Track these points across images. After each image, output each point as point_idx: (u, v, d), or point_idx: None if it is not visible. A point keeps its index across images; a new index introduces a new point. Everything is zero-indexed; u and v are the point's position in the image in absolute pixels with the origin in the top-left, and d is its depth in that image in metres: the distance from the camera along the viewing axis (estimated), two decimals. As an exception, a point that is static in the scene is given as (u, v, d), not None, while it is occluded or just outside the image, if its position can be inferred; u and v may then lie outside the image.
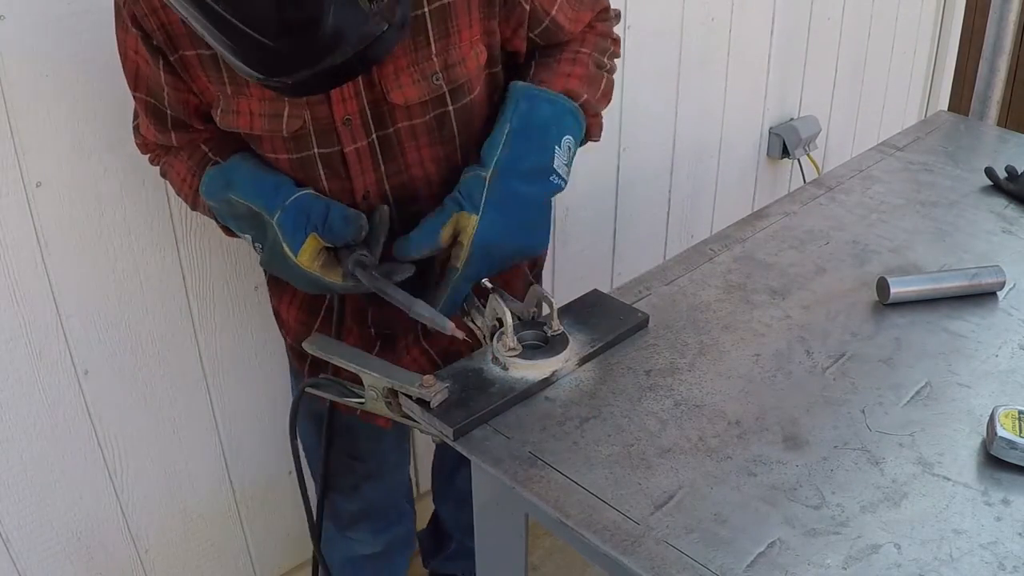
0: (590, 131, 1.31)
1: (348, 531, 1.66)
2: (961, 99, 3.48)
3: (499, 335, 1.16)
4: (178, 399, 1.73)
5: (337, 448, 1.53)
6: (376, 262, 1.19)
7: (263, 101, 1.17)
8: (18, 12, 1.31)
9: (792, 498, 1.00)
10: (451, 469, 1.83)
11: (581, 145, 1.29)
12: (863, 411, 1.13)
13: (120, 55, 1.23)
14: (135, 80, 1.24)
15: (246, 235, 1.24)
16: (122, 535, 1.74)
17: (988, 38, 2.19)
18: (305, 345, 1.19)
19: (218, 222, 1.31)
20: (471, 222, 1.17)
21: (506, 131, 1.20)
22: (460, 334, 1.16)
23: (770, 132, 2.75)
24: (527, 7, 1.22)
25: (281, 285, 1.43)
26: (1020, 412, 1.06)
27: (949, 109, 3.35)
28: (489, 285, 1.23)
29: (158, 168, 1.39)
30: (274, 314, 1.51)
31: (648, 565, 0.92)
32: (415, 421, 1.12)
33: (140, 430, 1.69)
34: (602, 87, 1.32)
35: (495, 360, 1.17)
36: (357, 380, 1.15)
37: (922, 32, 3.22)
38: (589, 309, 1.29)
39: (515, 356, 1.16)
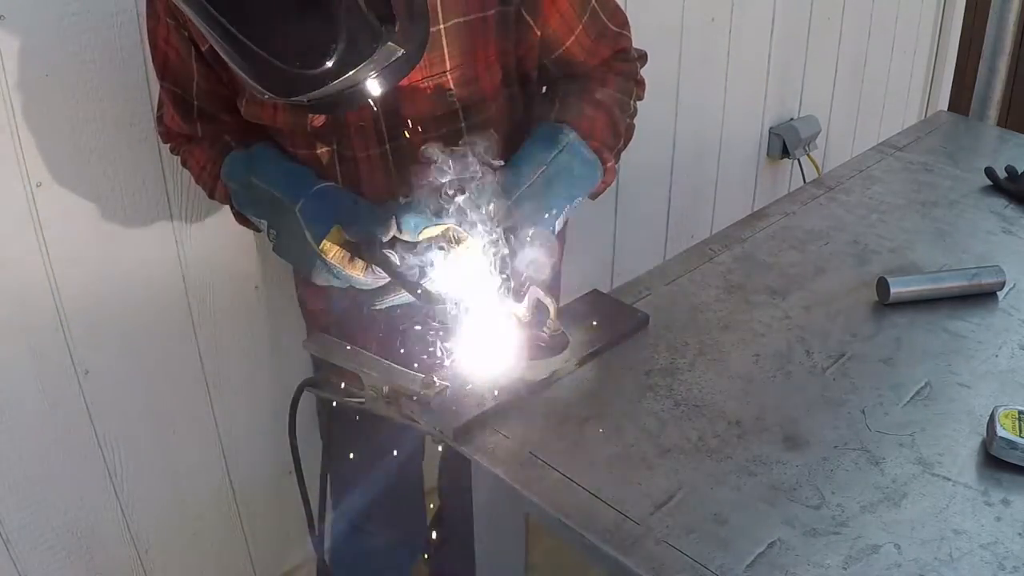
0: (601, 182, 1.30)
1: (360, 525, 1.65)
2: (961, 99, 3.47)
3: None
4: (178, 399, 1.72)
5: (354, 436, 1.52)
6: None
7: None
8: (18, 12, 1.31)
9: (792, 498, 1.00)
10: (460, 464, 1.82)
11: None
12: (863, 411, 1.13)
13: (150, 45, 1.25)
14: (163, 70, 1.26)
15: (262, 220, 1.24)
16: (122, 535, 1.74)
17: (988, 38, 2.19)
18: (304, 345, 1.19)
19: (233, 209, 1.32)
20: (464, 243, 1.15)
21: (540, 172, 1.20)
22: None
23: (770, 132, 2.75)
24: (538, 33, 1.23)
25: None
26: (1020, 412, 1.06)
27: (949, 109, 3.34)
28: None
29: (179, 158, 1.40)
30: (299, 303, 1.51)
31: (648, 565, 0.92)
32: (415, 421, 1.12)
33: (140, 430, 1.69)
34: (624, 134, 1.32)
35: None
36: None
37: (922, 32, 3.22)
38: (589, 309, 1.29)
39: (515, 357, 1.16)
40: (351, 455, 1.59)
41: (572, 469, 1.04)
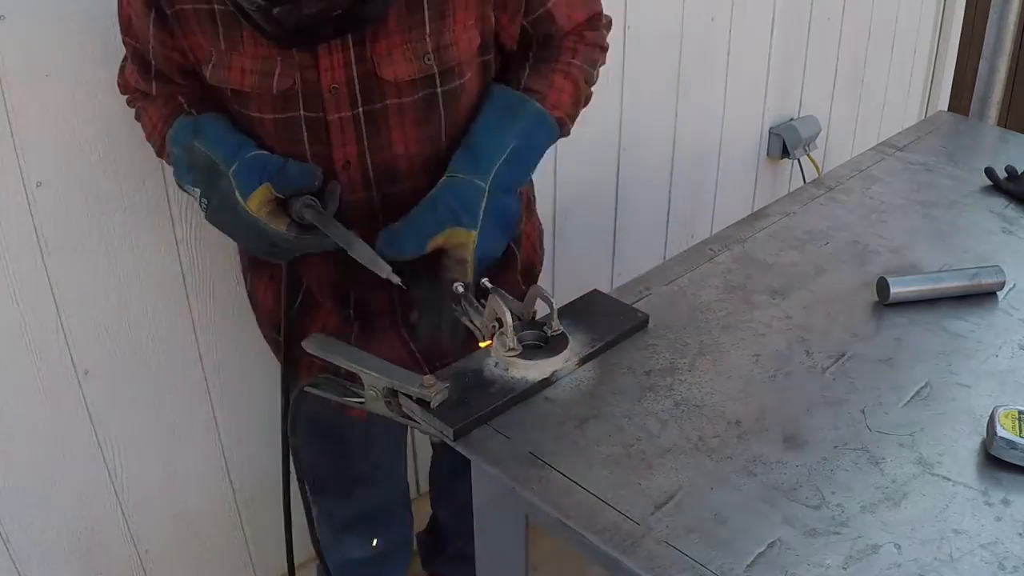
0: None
1: (341, 535, 1.65)
2: (961, 99, 3.47)
3: (499, 335, 1.16)
4: (178, 399, 1.73)
5: (326, 452, 1.52)
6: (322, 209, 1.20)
7: (256, 59, 1.19)
8: (18, 12, 1.31)
9: (792, 498, 1.00)
10: (449, 476, 1.82)
11: None
12: (863, 411, 1.13)
13: (119, 2, 1.26)
14: (126, 28, 1.27)
15: (196, 188, 1.24)
16: (122, 535, 1.74)
17: (988, 38, 2.19)
18: (304, 344, 1.19)
19: (175, 174, 1.31)
20: (471, 239, 1.19)
21: (510, 146, 1.23)
22: (396, 280, 1.17)
23: (770, 132, 2.75)
24: None
25: (259, 267, 1.45)
26: (1020, 412, 1.06)
27: (949, 109, 3.34)
28: (489, 285, 1.23)
29: (133, 111, 1.39)
30: (249, 298, 1.52)
31: (648, 565, 0.92)
32: (415, 421, 1.12)
33: (140, 430, 1.69)
34: (583, 102, 1.36)
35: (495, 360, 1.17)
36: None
37: (922, 32, 3.22)
38: (589, 309, 1.29)
39: (515, 356, 1.16)
40: (322, 467, 1.60)
41: (572, 469, 1.04)
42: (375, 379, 1.12)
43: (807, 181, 2.40)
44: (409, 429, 1.68)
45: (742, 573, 0.91)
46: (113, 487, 1.69)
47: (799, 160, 2.79)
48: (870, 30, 2.95)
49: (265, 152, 1.21)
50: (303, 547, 1.92)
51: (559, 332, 1.20)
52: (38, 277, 1.47)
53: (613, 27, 1.41)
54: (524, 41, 1.33)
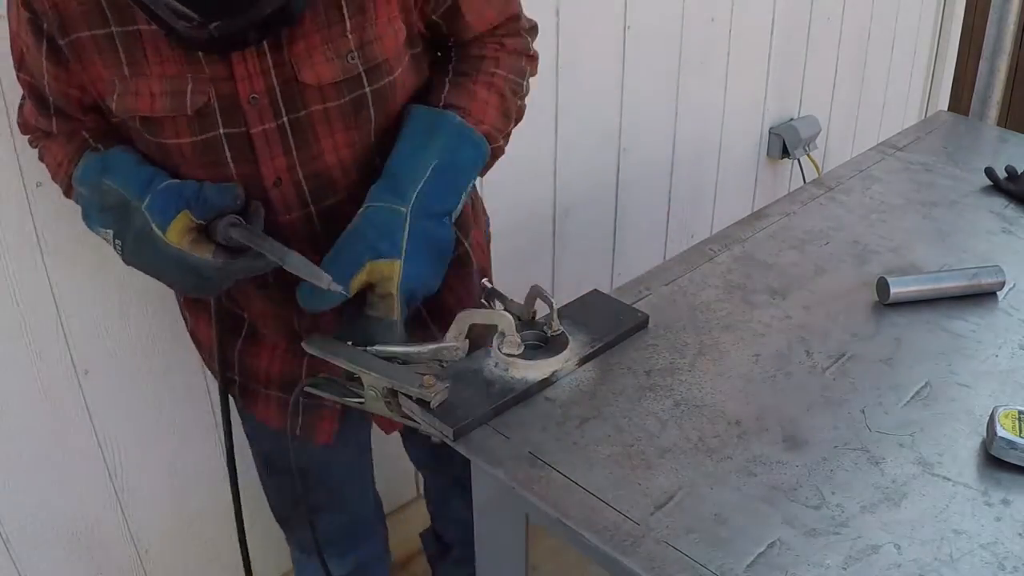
0: (487, 167, 1.27)
1: (310, 556, 1.63)
2: (961, 99, 3.48)
3: (498, 336, 1.16)
4: (178, 399, 1.72)
5: (285, 486, 1.51)
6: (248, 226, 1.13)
7: (163, 79, 1.10)
8: (18, 12, 1.31)
9: (792, 498, 1.00)
10: (440, 499, 1.80)
11: None
12: (863, 411, 1.13)
13: (10, 34, 1.17)
14: (20, 62, 1.18)
15: (108, 229, 1.16)
16: (122, 535, 1.74)
17: (988, 38, 2.19)
18: (305, 345, 1.19)
19: (83, 216, 1.23)
20: (395, 269, 1.12)
21: (431, 166, 1.16)
22: (337, 288, 1.09)
23: (770, 132, 2.75)
24: None
25: (197, 306, 1.39)
26: (1020, 412, 1.06)
27: (949, 109, 3.34)
28: (488, 285, 1.23)
29: (36, 151, 1.32)
30: (192, 338, 1.48)
31: (648, 565, 0.92)
32: (415, 421, 1.12)
33: (140, 430, 1.69)
34: (514, 117, 1.28)
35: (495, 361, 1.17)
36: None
37: (922, 32, 3.22)
38: (589, 309, 1.29)
39: (515, 356, 1.16)
40: (281, 501, 1.60)
41: (572, 469, 1.04)
42: (375, 379, 1.12)
43: (807, 181, 2.40)
44: (372, 455, 1.67)
45: (742, 573, 0.91)
46: (113, 487, 1.69)
47: (799, 160, 2.79)
48: (870, 30, 2.95)
49: (178, 180, 1.13)
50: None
51: (559, 332, 1.20)
52: (38, 277, 1.47)
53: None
54: (441, 48, 1.26)
